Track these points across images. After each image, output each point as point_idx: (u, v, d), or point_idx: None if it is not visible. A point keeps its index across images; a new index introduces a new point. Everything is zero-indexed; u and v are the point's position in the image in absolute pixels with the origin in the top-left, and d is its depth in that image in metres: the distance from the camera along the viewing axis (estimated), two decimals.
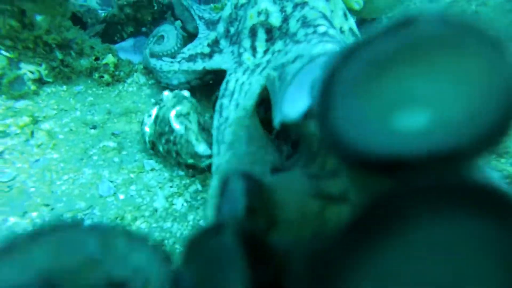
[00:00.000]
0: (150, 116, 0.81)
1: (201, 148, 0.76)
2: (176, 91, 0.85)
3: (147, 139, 0.82)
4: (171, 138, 0.77)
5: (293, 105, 0.37)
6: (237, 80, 0.77)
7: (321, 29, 0.68)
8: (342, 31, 0.82)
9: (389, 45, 0.19)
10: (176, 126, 0.76)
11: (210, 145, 0.80)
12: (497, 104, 0.17)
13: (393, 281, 0.16)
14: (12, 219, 0.69)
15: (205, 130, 0.82)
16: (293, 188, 0.30)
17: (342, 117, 0.19)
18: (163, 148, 0.79)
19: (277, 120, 0.42)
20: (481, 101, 0.17)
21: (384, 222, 0.16)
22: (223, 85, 0.78)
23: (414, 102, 0.18)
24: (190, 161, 0.77)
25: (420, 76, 0.18)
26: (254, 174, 0.31)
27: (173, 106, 0.78)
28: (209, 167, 0.80)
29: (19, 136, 0.87)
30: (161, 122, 0.78)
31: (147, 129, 0.81)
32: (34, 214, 0.70)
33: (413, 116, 0.18)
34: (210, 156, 0.78)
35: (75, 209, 0.72)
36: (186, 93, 0.85)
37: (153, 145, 0.82)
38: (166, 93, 0.83)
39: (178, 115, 0.77)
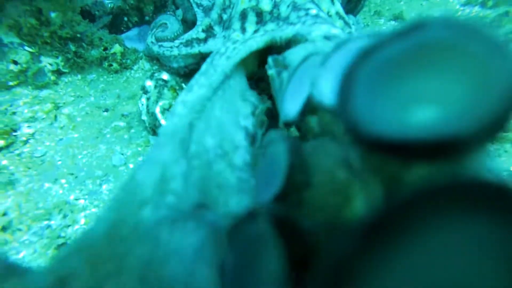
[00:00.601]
0: (142, 105, 0.91)
1: None
2: (156, 77, 0.93)
3: (147, 125, 0.94)
4: None
5: (293, 105, 0.39)
6: (227, 48, 0.73)
7: (313, 11, 0.70)
8: (329, 15, 0.84)
9: (403, 46, 0.21)
10: (164, 123, 0.86)
11: None
12: (498, 99, 0.18)
13: (408, 279, 0.16)
14: (47, 185, 0.85)
15: None
16: (325, 153, 0.31)
17: (360, 107, 0.21)
18: None
19: (281, 120, 0.43)
20: (484, 97, 0.18)
21: (399, 224, 0.16)
22: (213, 53, 0.73)
23: (424, 97, 0.20)
24: None
25: (429, 74, 0.20)
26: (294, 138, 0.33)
27: (157, 101, 0.87)
28: None
29: (45, 120, 1.02)
30: (151, 116, 0.89)
31: (144, 118, 0.92)
32: (63, 181, 0.86)
33: (422, 110, 0.20)
34: None
35: (94, 176, 0.87)
36: (165, 75, 0.93)
37: (154, 132, 0.94)
38: (149, 82, 0.91)
39: (163, 111, 0.87)
